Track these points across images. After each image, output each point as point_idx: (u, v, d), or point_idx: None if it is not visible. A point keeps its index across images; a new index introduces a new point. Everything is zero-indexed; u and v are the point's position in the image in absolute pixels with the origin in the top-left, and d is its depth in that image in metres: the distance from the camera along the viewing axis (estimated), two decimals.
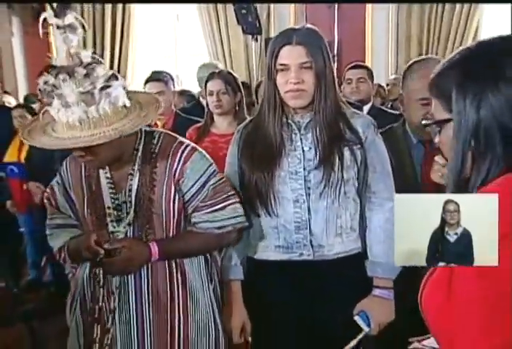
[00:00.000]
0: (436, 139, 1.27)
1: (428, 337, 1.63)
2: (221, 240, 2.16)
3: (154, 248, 2.04)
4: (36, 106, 5.05)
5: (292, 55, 2.03)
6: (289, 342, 2.19)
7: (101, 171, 2.11)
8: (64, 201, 2.21)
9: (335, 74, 2.12)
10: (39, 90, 1.86)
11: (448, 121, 1.19)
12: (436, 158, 2.05)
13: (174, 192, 2.08)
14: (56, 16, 1.83)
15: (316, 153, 2.08)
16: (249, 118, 2.30)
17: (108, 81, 1.86)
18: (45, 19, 1.88)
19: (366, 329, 2.05)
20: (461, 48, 1.21)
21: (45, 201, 2.29)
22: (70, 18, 1.84)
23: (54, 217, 2.25)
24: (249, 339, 2.25)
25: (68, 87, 1.79)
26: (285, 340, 2.19)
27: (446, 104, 1.18)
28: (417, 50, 6.38)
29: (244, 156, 2.18)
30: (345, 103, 2.18)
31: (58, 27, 1.83)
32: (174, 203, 2.09)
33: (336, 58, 6.38)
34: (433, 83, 1.22)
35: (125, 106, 1.90)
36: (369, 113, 3.92)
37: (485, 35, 6.17)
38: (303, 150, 2.10)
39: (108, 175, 2.12)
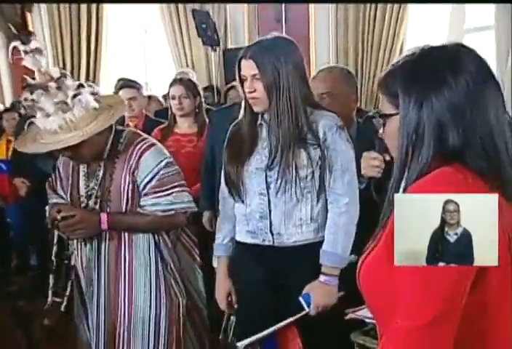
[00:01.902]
0: (381, 131, 1.25)
1: (361, 308, 1.63)
2: (166, 221, 2.23)
3: (104, 217, 2.14)
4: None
5: (245, 68, 2.06)
6: (258, 314, 2.19)
7: (81, 166, 2.22)
8: (59, 185, 2.32)
9: (298, 80, 2.06)
10: (23, 106, 2.00)
11: (392, 115, 1.18)
12: (374, 154, 2.02)
13: (129, 182, 2.17)
14: (23, 43, 1.95)
15: (275, 153, 2.07)
16: (236, 120, 2.26)
17: (77, 89, 1.97)
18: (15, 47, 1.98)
19: (306, 309, 2.05)
20: (406, 53, 1.20)
21: (46, 184, 2.37)
22: (34, 43, 1.96)
23: (51, 197, 2.35)
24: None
25: (46, 100, 1.90)
26: (254, 313, 2.20)
27: (392, 100, 1.18)
28: (353, 59, 6.38)
29: (226, 152, 2.20)
30: (313, 106, 2.12)
31: (26, 52, 1.95)
32: (127, 192, 2.18)
33: None
34: (381, 82, 1.22)
35: (96, 109, 2.00)
36: None
37: (410, 44, 6.24)
38: (271, 149, 2.09)
39: (84, 167, 2.21)
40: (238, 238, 2.25)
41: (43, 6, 7.53)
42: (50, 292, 2.26)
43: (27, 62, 1.96)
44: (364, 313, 1.64)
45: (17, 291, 3.88)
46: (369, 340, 1.84)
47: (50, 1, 7.31)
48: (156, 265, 2.26)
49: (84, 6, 7.26)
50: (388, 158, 1.96)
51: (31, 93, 1.90)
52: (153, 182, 2.15)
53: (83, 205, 2.22)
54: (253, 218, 2.15)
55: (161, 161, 2.17)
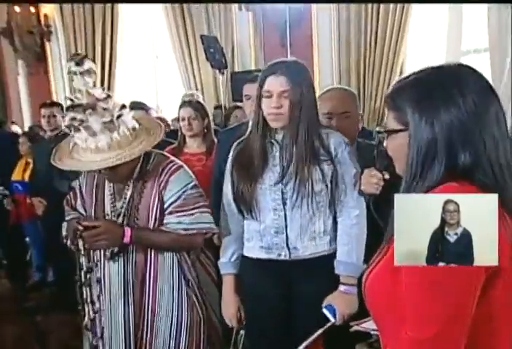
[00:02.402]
0: (385, 143, 1.23)
1: (366, 321, 1.60)
2: (187, 241, 2.17)
3: (127, 231, 2.08)
4: (43, 134, 4.93)
5: (274, 84, 2.01)
6: (272, 328, 2.16)
7: (106, 184, 2.19)
8: (80, 203, 2.26)
9: (313, 100, 2.07)
10: (66, 126, 1.98)
11: (398, 131, 1.15)
12: (373, 171, 1.99)
13: (158, 201, 2.15)
14: (77, 64, 1.97)
15: (291, 169, 2.05)
16: (241, 138, 2.22)
17: (121, 110, 1.99)
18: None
19: (332, 319, 1.99)
20: (415, 70, 1.18)
21: (64, 202, 2.31)
22: (87, 64, 1.99)
23: (69, 214, 2.27)
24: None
25: (94, 120, 1.92)
26: (268, 326, 2.16)
27: (398, 116, 1.15)
28: (355, 79, 6.40)
29: (235, 170, 2.14)
30: (322, 125, 2.13)
31: (80, 73, 1.97)
32: (156, 211, 2.16)
33: None
34: (389, 98, 1.19)
35: (134, 129, 2.03)
36: None
37: (409, 64, 6.26)
38: (283, 166, 2.06)
39: (110, 187, 2.19)
40: (249, 254, 2.18)
41: (60, 36, 7.65)
42: (89, 306, 2.15)
43: (77, 82, 1.98)
44: (368, 325, 1.60)
45: (35, 307, 3.84)
46: None
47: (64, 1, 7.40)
48: (179, 282, 2.22)
49: (98, 37, 7.37)
50: (386, 176, 1.95)
51: (84, 112, 1.92)
52: (178, 202, 2.13)
53: None
54: (267, 234, 2.10)
55: (188, 183, 2.16)
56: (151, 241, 2.16)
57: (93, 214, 2.22)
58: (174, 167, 2.18)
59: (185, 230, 2.13)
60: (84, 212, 2.25)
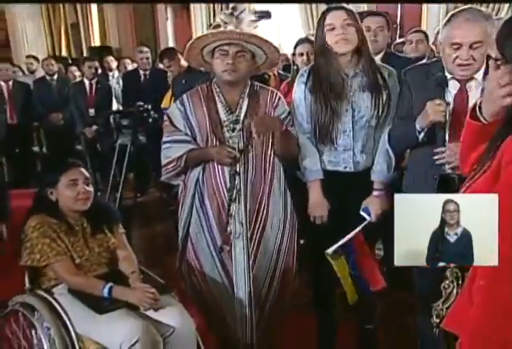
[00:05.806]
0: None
1: None
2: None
3: None
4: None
5: (335, 17, 2.08)
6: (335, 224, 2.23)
7: (216, 98, 2.23)
8: (184, 123, 2.24)
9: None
10: (221, 19, 2.20)
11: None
12: (439, 101, 1.87)
13: (273, 114, 2.26)
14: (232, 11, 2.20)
15: (361, 96, 2.13)
16: (305, 69, 2.28)
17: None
18: None
19: (368, 218, 2.15)
20: None
21: (165, 123, 2.28)
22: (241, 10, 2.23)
23: (172, 134, 2.24)
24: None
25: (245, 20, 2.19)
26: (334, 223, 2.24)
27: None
28: None
29: (314, 98, 2.18)
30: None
31: (232, 14, 2.19)
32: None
33: (399, 26, 6.08)
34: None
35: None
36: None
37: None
38: (353, 95, 2.14)
39: (223, 100, 2.23)
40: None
41: None
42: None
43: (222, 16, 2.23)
44: None
45: (177, 210, 4.08)
46: None
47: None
48: (285, 185, 2.29)
49: None
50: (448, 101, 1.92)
51: (240, 13, 2.18)
52: (289, 116, 2.26)
53: (226, 129, 2.21)
54: (337, 151, 2.20)
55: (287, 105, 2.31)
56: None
57: (208, 126, 2.21)
58: (278, 93, 2.31)
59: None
60: (188, 132, 2.23)
